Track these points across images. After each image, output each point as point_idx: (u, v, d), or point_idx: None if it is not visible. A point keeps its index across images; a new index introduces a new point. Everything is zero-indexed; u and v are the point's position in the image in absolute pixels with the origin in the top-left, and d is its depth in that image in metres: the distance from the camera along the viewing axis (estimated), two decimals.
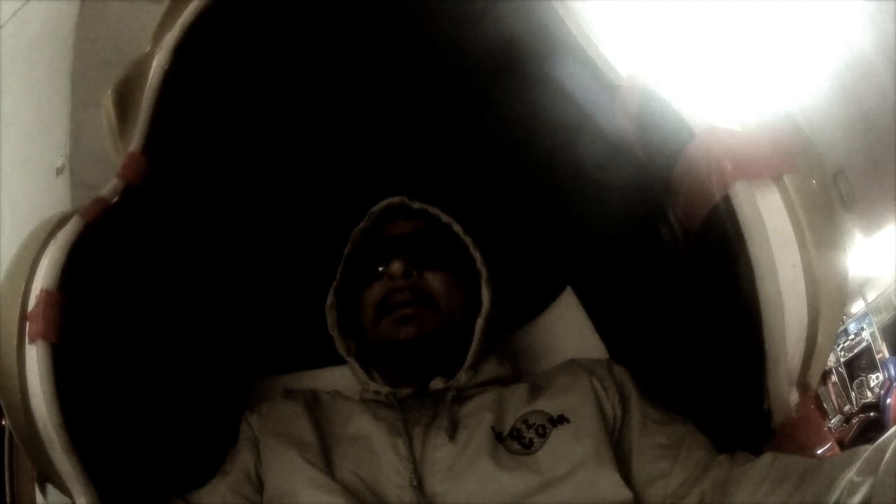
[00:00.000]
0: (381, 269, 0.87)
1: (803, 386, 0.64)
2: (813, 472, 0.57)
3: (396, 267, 0.85)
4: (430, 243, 0.90)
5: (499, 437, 0.76)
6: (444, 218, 0.93)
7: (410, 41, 0.91)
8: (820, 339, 0.63)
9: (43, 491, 0.75)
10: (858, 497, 0.47)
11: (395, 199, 0.93)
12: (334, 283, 0.92)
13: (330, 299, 0.91)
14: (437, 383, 0.82)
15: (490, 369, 0.85)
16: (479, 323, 0.86)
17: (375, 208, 0.93)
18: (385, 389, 0.82)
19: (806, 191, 0.62)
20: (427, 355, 0.84)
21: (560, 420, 0.76)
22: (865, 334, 4.33)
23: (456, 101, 0.98)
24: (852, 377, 4.31)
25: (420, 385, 0.82)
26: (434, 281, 0.87)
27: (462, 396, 0.81)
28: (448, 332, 0.85)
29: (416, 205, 0.93)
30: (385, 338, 0.84)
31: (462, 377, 0.82)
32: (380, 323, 0.85)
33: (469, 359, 0.84)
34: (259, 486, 0.79)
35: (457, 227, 0.92)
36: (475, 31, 0.86)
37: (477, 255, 0.91)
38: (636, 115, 0.72)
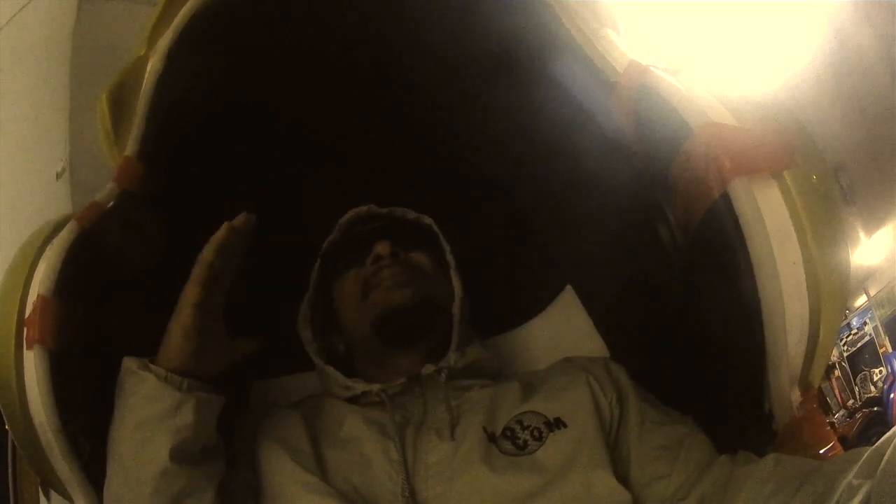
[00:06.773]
0: (361, 258, 0.86)
1: (805, 385, 0.63)
2: (814, 473, 0.57)
3: (383, 246, 0.85)
4: (406, 230, 0.91)
5: (491, 438, 0.74)
6: (412, 215, 0.94)
7: (408, 42, 0.91)
8: (822, 337, 0.62)
9: (47, 496, 0.75)
10: (857, 500, 0.47)
11: (362, 208, 0.94)
12: (306, 297, 0.93)
13: (303, 313, 0.91)
14: (427, 369, 0.81)
15: (475, 352, 0.86)
16: (455, 309, 0.87)
17: (343, 219, 0.94)
18: (375, 387, 0.80)
19: (806, 186, 0.61)
20: (423, 321, 0.84)
21: (557, 424, 0.75)
22: (868, 329, 4.32)
23: (453, 101, 0.97)
24: (855, 372, 4.31)
25: (410, 376, 0.80)
26: (420, 259, 0.88)
27: (455, 386, 0.80)
28: (438, 303, 0.86)
29: (384, 210, 0.94)
30: (377, 310, 0.83)
31: (452, 358, 0.82)
32: (367, 299, 0.84)
33: (455, 338, 0.84)
34: (251, 492, 0.77)
35: (427, 220, 0.94)
36: (472, 31, 0.86)
37: (446, 246, 0.93)
38: (633, 112, 0.71)
